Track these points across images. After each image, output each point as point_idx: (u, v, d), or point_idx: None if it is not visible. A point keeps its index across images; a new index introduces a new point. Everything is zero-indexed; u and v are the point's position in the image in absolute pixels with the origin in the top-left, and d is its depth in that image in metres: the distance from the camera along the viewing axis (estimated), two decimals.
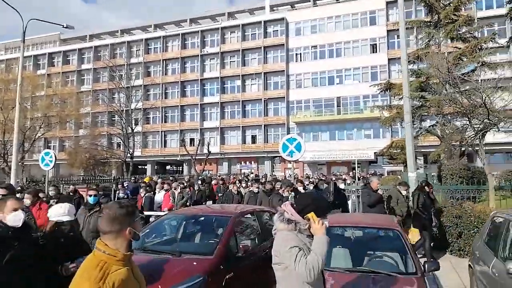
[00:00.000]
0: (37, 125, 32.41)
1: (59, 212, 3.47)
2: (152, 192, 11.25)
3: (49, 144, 46.95)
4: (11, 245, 2.82)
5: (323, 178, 16.47)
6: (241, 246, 4.74)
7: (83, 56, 50.11)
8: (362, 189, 8.36)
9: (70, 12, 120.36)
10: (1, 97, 29.41)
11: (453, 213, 7.65)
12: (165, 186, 11.18)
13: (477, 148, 8.34)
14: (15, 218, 2.90)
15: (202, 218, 5.93)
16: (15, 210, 2.92)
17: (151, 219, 10.79)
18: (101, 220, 2.02)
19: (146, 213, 10.28)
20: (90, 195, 6.50)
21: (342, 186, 11.01)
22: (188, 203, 10.47)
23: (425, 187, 7.92)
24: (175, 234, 5.57)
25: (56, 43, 54.07)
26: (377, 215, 6.39)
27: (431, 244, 7.35)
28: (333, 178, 14.18)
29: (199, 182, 13.06)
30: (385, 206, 7.70)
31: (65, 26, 16.22)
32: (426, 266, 3.81)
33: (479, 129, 7.96)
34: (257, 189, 10.54)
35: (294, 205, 2.64)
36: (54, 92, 39.17)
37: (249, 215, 5.88)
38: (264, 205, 8.60)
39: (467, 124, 9.03)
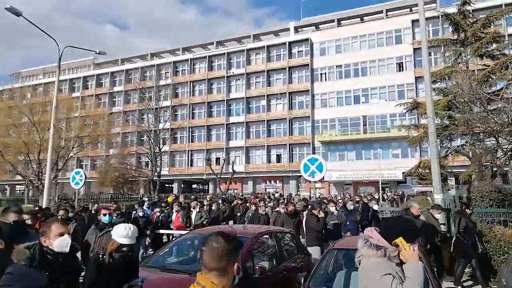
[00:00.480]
0: (71, 145, 33.77)
1: (121, 233, 3.45)
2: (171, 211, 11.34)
3: (81, 163, 48.74)
4: (64, 272, 2.68)
5: (352, 199, 15.96)
6: (257, 267, 4.76)
7: (115, 79, 52.27)
8: (403, 215, 7.32)
9: (103, 37, 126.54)
10: (38, 118, 30.93)
11: (481, 237, 7.33)
12: (176, 207, 10.99)
13: (507, 169, 8.02)
14: (62, 244, 2.69)
15: None
16: (61, 235, 2.71)
17: (165, 237, 10.96)
18: (206, 255, 1.81)
19: (161, 231, 10.49)
20: (104, 214, 6.48)
21: (375, 207, 10.69)
22: (205, 223, 10.47)
23: (466, 209, 7.49)
24: (194, 254, 5.65)
25: (90, 67, 56.82)
26: None
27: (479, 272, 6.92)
28: (365, 198, 13.83)
29: (220, 201, 13.12)
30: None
31: (97, 52, 17.10)
32: None
33: (508, 149, 7.68)
34: (283, 209, 10.36)
35: (379, 230, 2.47)
36: (87, 114, 40.92)
37: (267, 236, 5.90)
38: (287, 227, 8.37)
39: (497, 145, 8.73)
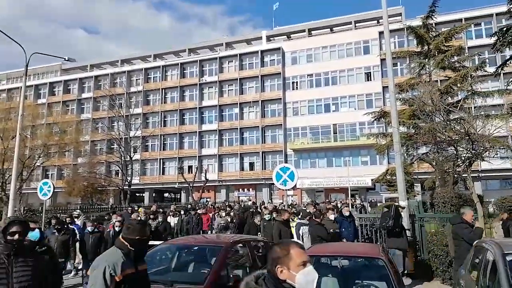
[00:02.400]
0: (37, 154, 32.58)
1: None
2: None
3: (47, 173, 47.02)
4: None
5: (347, 205, 15.38)
6: (231, 276, 4.87)
7: (83, 85, 50.99)
8: (458, 223, 6.42)
9: (72, 42, 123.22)
10: (2, 126, 29.71)
11: (443, 241, 7.76)
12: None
13: (465, 175, 8.55)
14: (307, 279, 1.86)
15: (196, 248, 6.06)
16: (304, 264, 1.90)
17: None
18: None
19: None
20: (33, 229, 5.05)
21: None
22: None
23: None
24: (168, 264, 5.69)
25: (57, 72, 55.15)
26: (362, 244, 6.47)
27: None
28: (342, 204, 13.91)
29: (182, 212, 13.17)
30: None
31: (66, 59, 16.76)
32: None
33: (465, 158, 8.19)
34: (266, 216, 10.21)
35: None
36: (54, 121, 39.62)
37: (241, 245, 6.02)
38: (284, 235, 8.18)
39: (456, 153, 9.28)
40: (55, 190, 24.12)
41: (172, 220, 12.94)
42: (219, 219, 12.64)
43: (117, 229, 8.61)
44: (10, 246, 2.97)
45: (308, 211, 10.05)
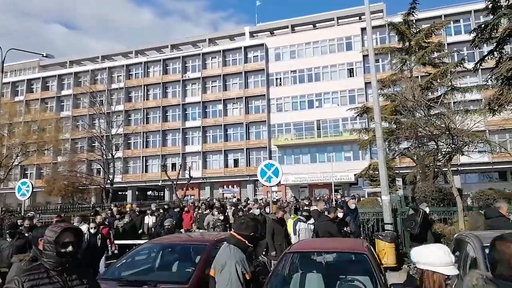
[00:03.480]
0: (15, 153, 31.69)
1: None
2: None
3: (26, 172, 45.84)
4: None
5: (354, 197, 14.39)
6: None
7: (62, 82, 49.79)
8: (496, 216, 6.18)
9: (51, 38, 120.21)
10: None
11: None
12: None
13: (445, 169, 8.72)
14: None
15: (180, 247, 5.99)
16: None
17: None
18: None
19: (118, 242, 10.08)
20: None
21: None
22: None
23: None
24: (152, 264, 5.60)
25: (35, 69, 53.68)
26: (346, 239, 6.48)
27: None
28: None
29: (161, 210, 12.93)
30: None
31: (44, 55, 16.31)
32: None
33: (445, 152, 8.34)
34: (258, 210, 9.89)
35: None
36: (33, 119, 38.61)
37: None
38: (278, 234, 8.02)
39: (436, 148, 9.45)
40: (35, 190, 23.56)
41: (150, 220, 12.63)
42: (211, 216, 12.31)
43: (92, 231, 8.06)
44: (64, 261, 2.37)
45: (316, 208, 9.45)
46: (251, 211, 10.16)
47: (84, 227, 9.25)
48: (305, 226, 8.34)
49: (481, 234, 4.94)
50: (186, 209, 13.75)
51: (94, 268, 7.39)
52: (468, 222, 7.18)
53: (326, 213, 8.57)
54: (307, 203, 11.86)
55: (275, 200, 23.86)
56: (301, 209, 10.06)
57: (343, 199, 25.49)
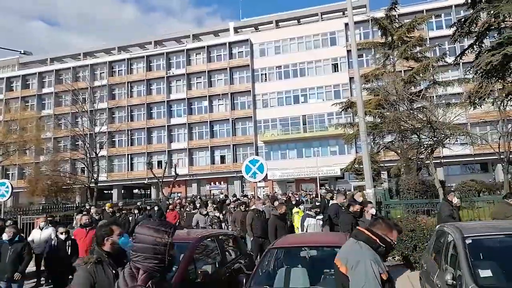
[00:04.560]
0: None
1: None
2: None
3: (7, 172, 44.84)
4: None
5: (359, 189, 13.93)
6: (199, 272, 4.78)
7: (43, 80, 48.71)
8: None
9: (31, 35, 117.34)
10: None
11: (408, 226, 8.00)
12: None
13: (427, 162, 8.83)
14: None
15: None
16: None
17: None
18: None
19: None
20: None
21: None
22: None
23: None
24: None
25: (14, 66, 52.38)
26: (330, 233, 6.46)
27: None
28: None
29: (136, 210, 12.68)
30: None
31: (22, 52, 15.85)
32: None
33: (428, 145, 8.45)
34: (259, 207, 9.26)
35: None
36: (13, 118, 37.69)
37: (210, 239, 5.93)
38: (280, 230, 7.82)
39: (419, 141, 9.56)
40: (17, 191, 23.05)
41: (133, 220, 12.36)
42: (200, 215, 11.89)
43: (62, 236, 6.69)
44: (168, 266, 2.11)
45: (335, 202, 9.04)
46: (253, 206, 9.57)
47: (48, 231, 8.37)
48: (314, 221, 8.05)
49: (462, 225, 5.02)
50: (170, 207, 13.50)
51: (63, 280, 6.34)
52: (494, 211, 7.00)
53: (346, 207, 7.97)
54: (331, 195, 11.13)
55: (270, 195, 23.60)
56: (314, 205, 9.37)
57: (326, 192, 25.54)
